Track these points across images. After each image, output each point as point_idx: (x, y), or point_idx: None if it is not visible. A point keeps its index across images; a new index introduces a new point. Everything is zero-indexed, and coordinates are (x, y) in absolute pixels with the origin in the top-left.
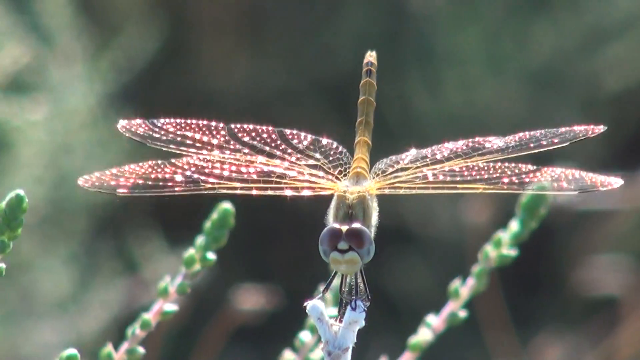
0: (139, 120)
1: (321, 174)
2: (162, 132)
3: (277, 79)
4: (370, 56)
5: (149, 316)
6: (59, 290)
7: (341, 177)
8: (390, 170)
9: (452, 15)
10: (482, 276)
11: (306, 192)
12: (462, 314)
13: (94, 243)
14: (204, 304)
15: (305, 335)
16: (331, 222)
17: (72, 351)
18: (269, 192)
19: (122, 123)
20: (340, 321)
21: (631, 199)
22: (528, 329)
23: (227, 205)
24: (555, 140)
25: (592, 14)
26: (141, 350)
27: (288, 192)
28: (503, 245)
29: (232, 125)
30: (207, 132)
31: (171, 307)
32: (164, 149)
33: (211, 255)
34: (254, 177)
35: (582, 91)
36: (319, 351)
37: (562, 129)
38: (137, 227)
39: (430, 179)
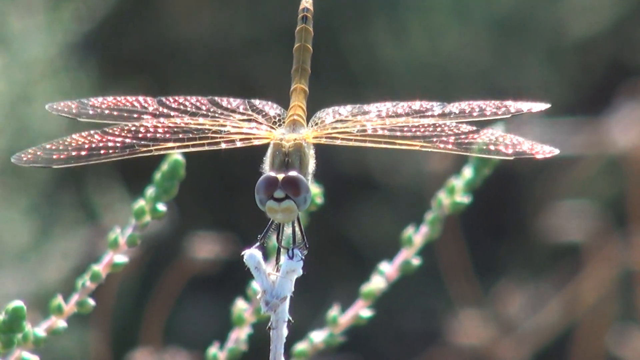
0: (67, 102)
1: (255, 124)
2: (92, 108)
3: (241, 27)
4: (306, 2)
5: (99, 268)
6: (19, 241)
7: (276, 127)
8: (330, 120)
9: None
10: (436, 223)
11: (241, 143)
12: (416, 261)
13: (55, 193)
14: (163, 254)
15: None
16: (267, 171)
17: (18, 303)
18: (206, 148)
19: (50, 105)
20: (278, 270)
21: (595, 144)
22: (492, 277)
23: (177, 156)
24: (499, 112)
25: None
26: (91, 302)
27: (224, 145)
28: (456, 192)
29: (163, 98)
30: (137, 105)
31: (121, 258)
32: (97, 121)
33: (161, 207)
34: (190, 135)
35: (548, 38)
36: None
37: (507, 103)
38: (98, 177)
39: (369, 132)
